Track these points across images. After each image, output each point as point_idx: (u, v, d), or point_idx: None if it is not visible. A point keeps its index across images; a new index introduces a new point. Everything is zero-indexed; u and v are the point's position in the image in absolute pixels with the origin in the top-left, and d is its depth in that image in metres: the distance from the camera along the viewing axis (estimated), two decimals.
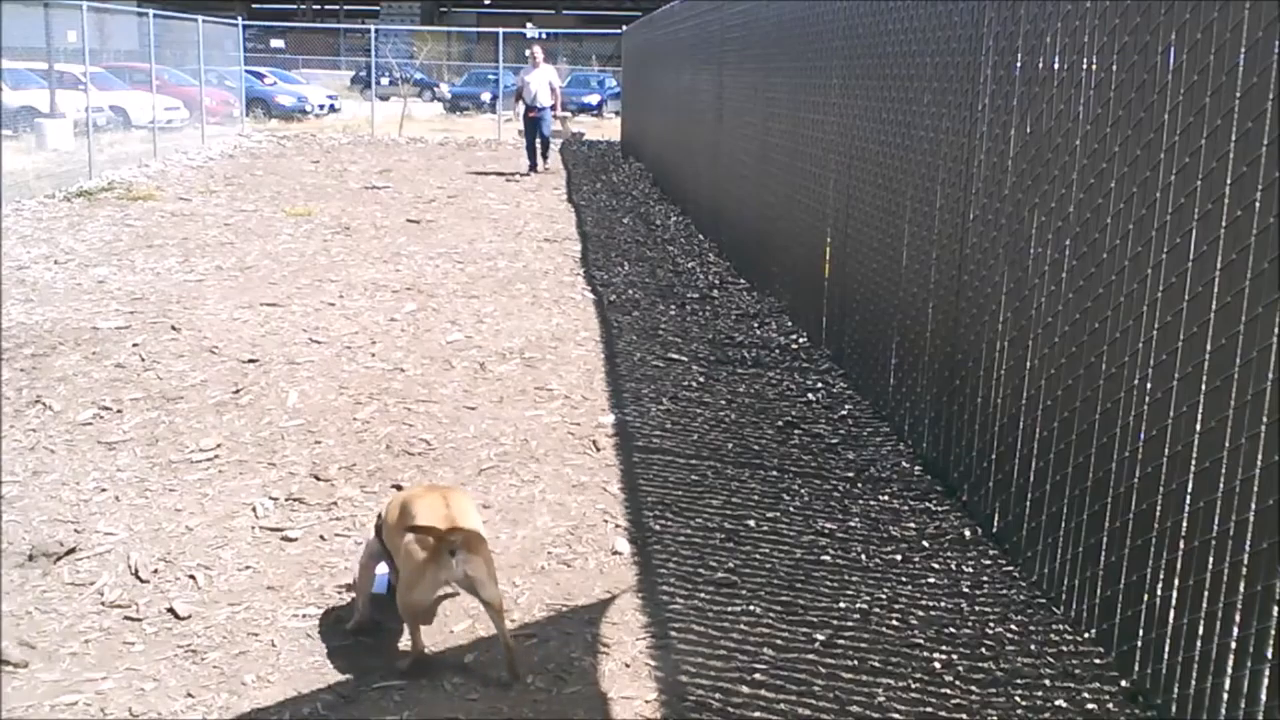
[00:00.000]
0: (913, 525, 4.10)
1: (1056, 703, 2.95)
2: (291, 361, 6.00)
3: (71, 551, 3.65)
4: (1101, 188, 3.20)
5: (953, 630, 3.32)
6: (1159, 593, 2.86)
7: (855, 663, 3.12)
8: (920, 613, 3.42)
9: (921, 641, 3.24)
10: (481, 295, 7.91)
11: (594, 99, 33.60)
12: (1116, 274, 3.10)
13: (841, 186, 5.97)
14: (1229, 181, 2.59)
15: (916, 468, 4.67)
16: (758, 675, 3.03)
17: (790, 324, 7.13)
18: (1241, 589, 2.50)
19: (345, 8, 55.06)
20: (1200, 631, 2.66)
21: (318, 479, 4.36)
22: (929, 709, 2.90)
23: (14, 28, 15.88)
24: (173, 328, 6.63)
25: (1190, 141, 2.76)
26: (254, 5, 48.85)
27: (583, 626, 3.28)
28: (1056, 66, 3.54)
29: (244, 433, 4.87)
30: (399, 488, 4.27)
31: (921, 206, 4.74)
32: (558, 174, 16.39)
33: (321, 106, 30.08)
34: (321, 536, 3.85)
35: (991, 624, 3.36)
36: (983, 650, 3.21)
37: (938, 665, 3.11)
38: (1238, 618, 2.52)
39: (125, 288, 7.77)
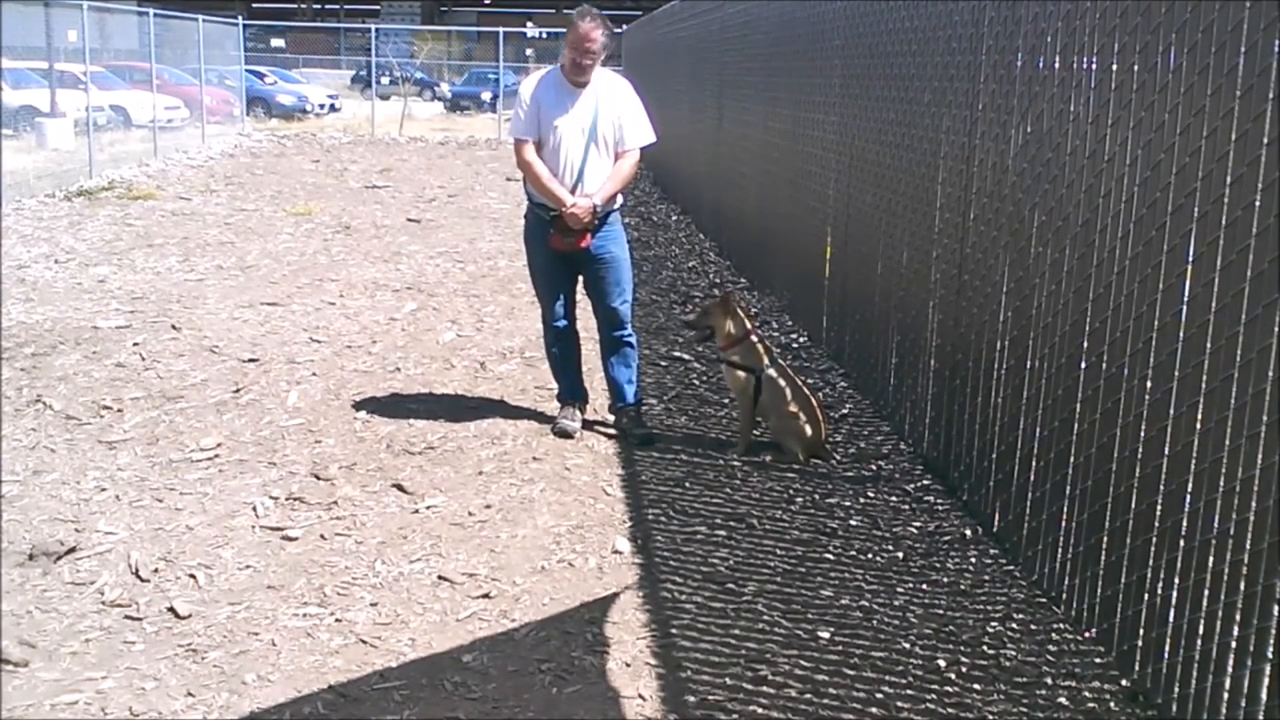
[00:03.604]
0: (914, 524, 4.10)
1: (1058, 701, 2.95)
2: (292, 361, 6.00)
3: (72, 551, 3.66)
4: (1101, 188, 3.20)
5: (954, 629, 3.32)
6: (1159, 592, 2.86)
7: (857, 660, 3.12)
8: (921, 611, 3.43)
9: (923, 640, 3.25)
10: (482, 294, 7.91)
11: None
12: (1116, 274, 3.10)
13: (841, 186, 5.97)
14: (1229, 182, 2.59)
15: (917, 467, 4.67)
16: (760, 673, 3.03)
17: (790, 323, 7.14)
18: (1241, 589, 2.50)
19: (345, 7, 55.09)
20: (1200, 631, 2.67)
21: (318, 478, 4.36)
22: (930, 706, 2.90)
23: (14, 27, 15.88)
24: (173, 327, 6.64)
25: (1190, 141, 2.76)
26: (254, 4, 48.86)
27: (584, 626, 3.28)
28: (1057, 66, 3.54)
29: (244, 432, 4.87)
30: (400, 487, 4.28)
31: (922, 206, 4.74)
32: None
33: (322, 106, 30.08)
34: (322, 536, 3.85)
35: (993, 623, 3.36)
36: (984, 649, 3.21)
37: (940, 663, 3.12)
38: (1238, 617, 2.52)
39: (125, 287, 7.78)
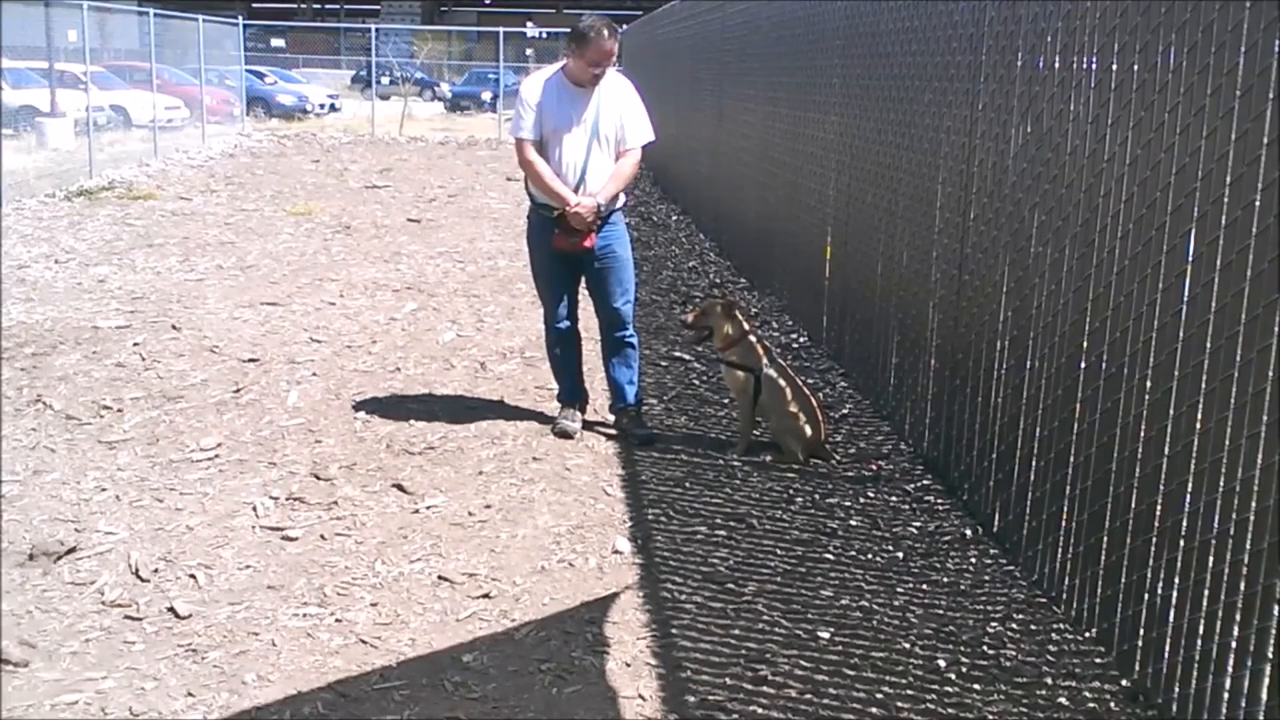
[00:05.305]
0: (914, 524, 4.10)
1: (1058, 701, 2.95)
2: (292, 361, 6.00)
3: (72, 551, 3.66)
4: (1101, 188, 3.20)
5: (954, 629, 3.32)
6: (1159, 592, 2.86)
7: (857, 660, 3.12)
8: (921, 611, 3.43)
9: (923, 640, 3.25)
10: (482, 294, 7.91)
11: None
12: (1116, 274, 3.10)
13: (841, 186, 5.97)
14: (1228, 181, 2.59)
15: (917, 467, 4.67)
16: (760, 673, 3.03)
17: (790, 323, 7.14)
18: (1241, 589, 2.50)
19: (345, 7, 55.08)
20: (1200, 631, 2.67)
21: (318, 478, 4.36)
22: (930, 706, 2.90)
23: (14, 27, 15.88)
24: (173, 327, 6.64)
25: (1190, 141, 2.76)
26: (254, 4, 48.87)
27: (584, 626, 3.28)
28: (1057, 66, 3.54)
29: (244, 432, 4.87)
30: (400, 487, 4.28)
31: (922, 206, 4.74)
32: None
33: (322, 106, 30.09)
34: (322, 536, 3.85)
35: (993, 623, 3.36)
36: (984, 649, 3.21)
37: (940, 663, 3.12)
38: (1238, 617, 2.52)
39: (126, 287, 7.78)
